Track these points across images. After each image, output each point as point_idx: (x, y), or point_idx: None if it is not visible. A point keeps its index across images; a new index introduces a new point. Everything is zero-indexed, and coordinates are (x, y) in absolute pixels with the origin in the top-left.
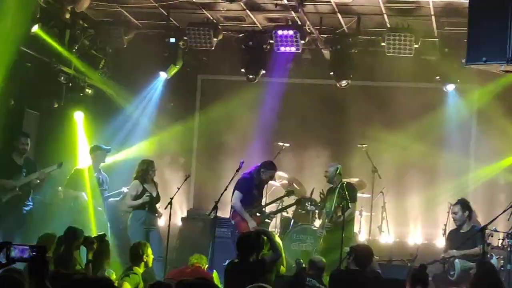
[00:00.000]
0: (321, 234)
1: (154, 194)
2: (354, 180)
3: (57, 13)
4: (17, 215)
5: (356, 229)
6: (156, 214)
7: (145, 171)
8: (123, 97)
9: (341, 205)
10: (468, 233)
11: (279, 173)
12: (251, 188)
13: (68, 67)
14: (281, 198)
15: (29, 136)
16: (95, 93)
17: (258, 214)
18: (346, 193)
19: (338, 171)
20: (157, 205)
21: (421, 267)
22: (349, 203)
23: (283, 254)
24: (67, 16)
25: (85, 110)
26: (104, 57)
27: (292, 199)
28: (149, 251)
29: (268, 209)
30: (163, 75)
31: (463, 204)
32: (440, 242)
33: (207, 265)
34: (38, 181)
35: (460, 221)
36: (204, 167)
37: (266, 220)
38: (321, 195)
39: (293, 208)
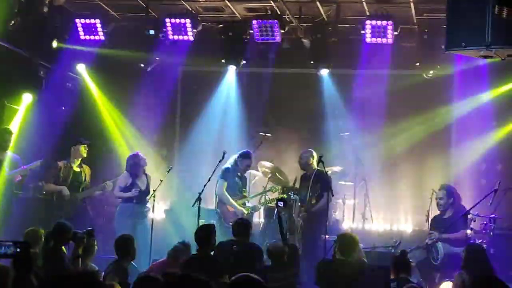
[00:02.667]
0: (297, 222)
1: (144, 187)
2: (336, 168)
3: (36, 7)
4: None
5: (339, 217)
6: (146, 208)
7: (134, 164)
8: (104, 90)
9: (316, 194)
10: (451, 219)
11: (261, 163)
12: (233, 177)
13: (47, 61)
14: (264, 192)
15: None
16: (75, 87)
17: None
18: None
19: (312, 157)
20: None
21: (402, 253)
22: (323, 193)
23: None
24: (45, 9)
25: (65, 104)
26: (83, 50)
27: (276, 193)
28: (134, 244)
29: (250, 203)
30: (143, 67)
31: (448, 190)
32: (424, 228)
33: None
34: (20, 177)
35: (444, 207)
36: (187, 158)
37: (251, 211)
38: (295, 182)
39: (277, 191)
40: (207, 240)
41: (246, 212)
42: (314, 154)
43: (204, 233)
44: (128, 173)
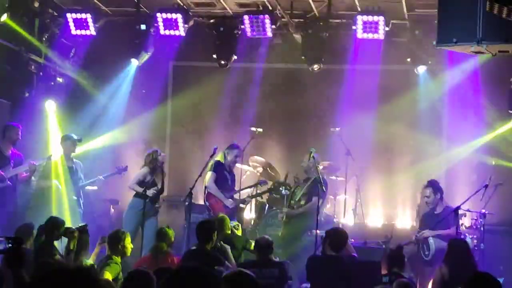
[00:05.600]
0: (281, 219)
1: (159, 185)
2: (325, 163)
3: (26, 2)
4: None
5: (330, 212)
6: (157, 205)
7: (154, 160)
8: (95, 86)
9: (306, 197)
10: (441, 214)
11: (252, 158)
12: (223, 170)
13: (38, 56)
14: (254, 185)
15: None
16: (66, 82)
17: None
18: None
19: (311, 155)
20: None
21: (398, 248)
22: (312, 196)
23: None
24: (36, 4)
25: (57, 99)
26: (74, 45)
27: (264, 187)
28: (128, 240)
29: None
30: (134, 63)
31: (434, 186)
32: (414, 223)
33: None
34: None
35: (433, 204)
36: (178, 154)
37: (241, 204)
38: (295, 179)
39: (267, 185)
40: (208, 236)
41: (234, 204)
42: (312, 150)
43: (205, 228)
44: (148, 169)
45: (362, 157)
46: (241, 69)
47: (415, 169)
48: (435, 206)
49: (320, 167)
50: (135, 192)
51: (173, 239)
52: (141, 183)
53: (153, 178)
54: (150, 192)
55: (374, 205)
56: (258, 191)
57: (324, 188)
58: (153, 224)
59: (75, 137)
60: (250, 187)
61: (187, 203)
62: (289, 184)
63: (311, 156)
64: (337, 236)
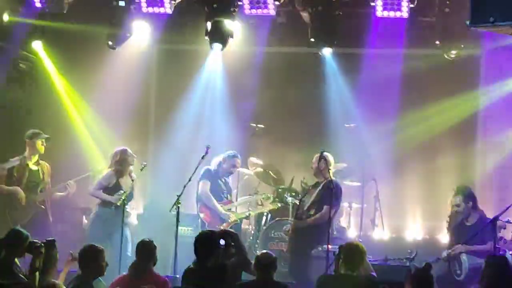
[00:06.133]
0: (286, 232)
1: (128, 190)
2: (340, 166)
3: None
4: None
5: (344, 223)
6: (127, 214)
7: (121, 162)
8: (61, 74)
9: (316, 205)
10: (475, 226)
11: (252, 160)
12: (217, 179)
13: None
14: (254, 199)
15: None
16: (32, 67)
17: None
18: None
19: (326, 163)
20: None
21: (426, 267)
22: (323, 205)
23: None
24: None
25: (22, 87)
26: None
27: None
28: (104, 256)
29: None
30: (112, 46)
31: (465, 193)
32: (444, 237)
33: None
34: None
35: (465, 214)
36: (163, 154)
37: (244, 218)
38: (303, 184)
39: (270, 200)
40: (209, 250)
41: (234, 218)
42: (330, 158)
43: (203, 242)
44: (113, 171)
45: (382, 158)
46: (238, 54)
47: (448, 171)
48: (466, 217)
49: (332, 170)
50: (99, 201)
51: (157, 255)
52: (105, 188)
53: (118, 182)
54: (115, 198)
55: (396, 215)
56: (260, 203)
57: (336, 195)
58: (123, 237)
59: (43, 134)
60: (248, 200)
61: (174, 213)
62: (295, 190)
63: (322, 157)
64: (352, 252)
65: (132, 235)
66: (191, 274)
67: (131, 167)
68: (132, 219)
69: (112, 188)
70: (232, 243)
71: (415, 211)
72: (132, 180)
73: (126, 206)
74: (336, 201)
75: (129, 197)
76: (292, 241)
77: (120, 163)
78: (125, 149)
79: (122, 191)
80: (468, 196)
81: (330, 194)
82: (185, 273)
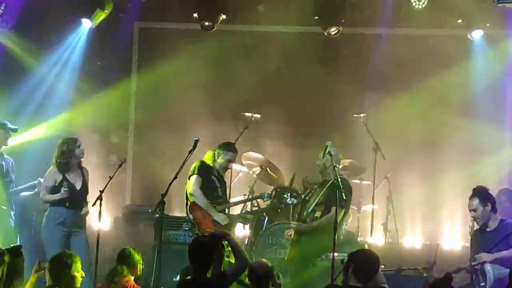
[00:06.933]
0: (288, 237)
1: (79, 186)
2: (348, 162)
3: None
4: None
5: (353, 228)
6: (82, 213)
7: (67, 154)
8: (32, 55)
9: (323, 207)
10: (497, 231)
11: (247, 154)
12: (211, 175)
13: None
14: (254, 198)
15: None
16: None
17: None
18: (342, 191)
19: (327, 150)
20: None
21: (445, 277)
22: (331, 205)
23: None
24: None
25: None
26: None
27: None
28: (77, 266)
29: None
30: (86, 24)
31: (482, 195)
32: (467, 244)
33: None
34: None
35: (483, 218)
36: (145, 148)
37: (242, 222)
38: (305, 183)
39: (267, 201)
40: (206, 260)
41: (228, 221)
42: (337, 155)
43: (201, 250)
44: (56, 167)
45: (396, 153)
46: (232, 34)
47: (467, 169)
48: (486, 221)
49: (339, 166)
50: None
51: (140, 267)
52: (52, 188)
53: (65, 178)
54: (60, 194)
55: (411, 219)
56: (255, 205)
57: (344, 195)
58: (81, 242)
59: (9, 125)
60: (248, 200)
61: (157, 215)
62: (296, 190)
63: (328, 151)
64: (365, 261)
65: (106, 241)
66: (188, 285)
67: (80, 160)
68: (106, 222)
69: (58, 186)
70: (228, 246)
71: (435, 214)
72: (84, 173)
73: (86, 205)
74: (345, 202)
75: (82, 192)
76: (295, 247)
77: (65, 157)
78: (70, 139)
79: (69, 187)
80: (485, 198)
81: (338, 193)
82: (181, 284)
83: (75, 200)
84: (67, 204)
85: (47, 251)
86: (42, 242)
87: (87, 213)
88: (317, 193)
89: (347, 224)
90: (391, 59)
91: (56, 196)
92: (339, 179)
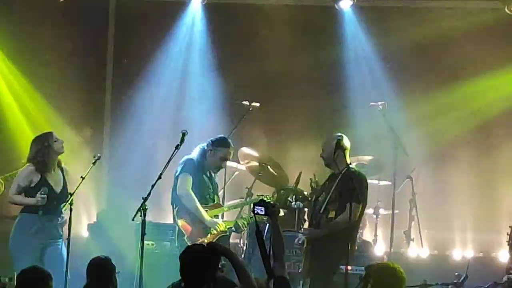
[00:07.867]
0: (298, 245)
1: (59, 189)
2: (366, 159)
3: None
4: None
5: (370, 237)
6: (59, 220)
7: (44, 150)
8: None
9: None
10: None
11: (244, 150)
12: (201, 174)
13: None
14: (247, 203)
15: None
16: None
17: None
18: (355, 186)
19: (340, 144)
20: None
21: None
22: (346, 201)
23: None
24: None
25: None
26: None
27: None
28: (50, 284)
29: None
30: None
31: None
32: (504, 255)
33: None
34: None
35: None
36: (124, 143)
37: (233, 230)
38: (312, 184)
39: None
40: (201, 275)
41: (222, 227)
42: (345, 142)
43: (195, 262)
44: (33, 166)
45: (420, 150)
46: (225, 6)
47: (508, 167)
48: None
49: (352, 163)
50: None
51: (116, 279)
52: (27, 189)
53: (44, 178)
54: (36, 199)
55: (439, 226)
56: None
57: (361, 189)
58: (56, 253)
59: None
60: (240, 205)
61: (138, 222)
62: (302, 191)
63: (339, 143)
64: (388, 278)
65: (79, 251)
66: None
67: (59, 158)
68: (79, 230)
69: (36, 187)
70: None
71: (464, 220)
72: (63, 173)
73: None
74: (361, 195)
75: (61, 197)
76: (309, 258)
77: (43, 154)
78: (47, 134)
79: (45, 189)
80: None
81: (352, 188)
82: None
83: (53, 206)
84: (41, 211)
85: (15, 265)
86: (10, 253)
87: (65, 221)
88: (328, 189)
89: (362, 234)
90: (415, 37)
91: (30, 201)
92: (351, 170)
